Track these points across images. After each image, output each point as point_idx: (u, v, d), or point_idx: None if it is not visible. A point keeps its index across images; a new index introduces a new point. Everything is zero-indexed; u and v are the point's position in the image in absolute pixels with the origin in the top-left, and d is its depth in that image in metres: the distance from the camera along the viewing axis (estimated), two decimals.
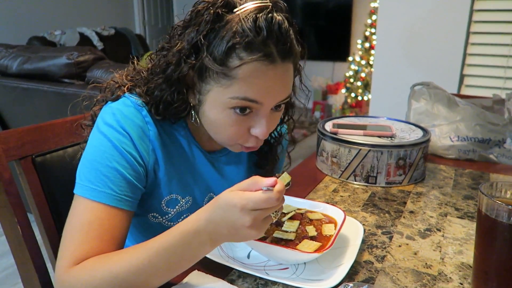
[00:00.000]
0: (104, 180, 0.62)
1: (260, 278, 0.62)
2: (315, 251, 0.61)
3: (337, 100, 4.86)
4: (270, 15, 0.59)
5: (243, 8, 0.60)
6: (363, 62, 4.44)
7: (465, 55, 1.98)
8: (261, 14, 0.59)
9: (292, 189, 0.97)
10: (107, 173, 0.62)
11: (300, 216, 0.72)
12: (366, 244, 0.73)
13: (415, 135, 1.06)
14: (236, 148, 0.71)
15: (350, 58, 4.66)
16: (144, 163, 0.67)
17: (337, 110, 4.78)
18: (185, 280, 0.61)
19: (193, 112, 0.70)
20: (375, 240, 0.75)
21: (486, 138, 1.17)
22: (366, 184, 1.00)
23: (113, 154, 0.63)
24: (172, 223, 0.75)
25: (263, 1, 0.61)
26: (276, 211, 0.55)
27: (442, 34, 1.98)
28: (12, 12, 3.96)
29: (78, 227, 0.60)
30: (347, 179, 1.02)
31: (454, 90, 2.00)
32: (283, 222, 0.69)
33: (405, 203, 0.91)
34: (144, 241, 0.58)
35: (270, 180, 0.51)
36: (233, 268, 0.64)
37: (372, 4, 4.25)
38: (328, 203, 0.76)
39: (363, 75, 4.46)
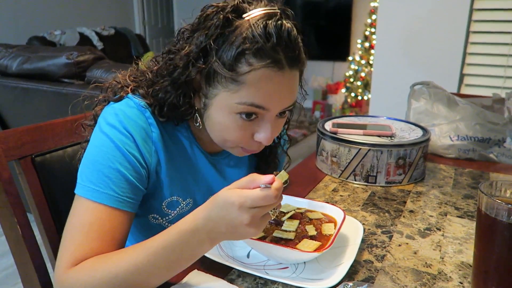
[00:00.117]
0: (106, 181, 0.62)
1: (260, 277, 0.62)
2: (315, 250, 0.61)
3: (337, 99, 4.86)
4: (279, 22, 0.60)
5: (253, 14, 0.60)
6: (363, 61, 4.44)
7: (465, 54, 1.98)
8: (271, 21, 0.59)
9: (292, 189, 0.98)
10: (109, 174, 0.62)
11: (300, 216, 0.72)
12: (366, 244, 0.73)
13: (415, 134, 1.06)
14: (237, 151, 0.71)
15: (350, 58, 4.67)
16: (146, 165, 0.67)
17: (337, 110, 4.79)
18: (185, 279, 0.61)
19: (197, 115, 0.70)
20: (375, 239, 0.75)
21: (486, 138, 1.17)
22: (366, 183, 1.00)
23: (115, 155, 0.63)
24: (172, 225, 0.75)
25: (271, 8, 0.62)
26: (274, 209, 0.55)
27: (442, 34, 1.98)
28: (12, 12, 3.96)
29: (79, 227, 0.60)
30: (347, 178, 1.02)
31: (454, 89, 2.00)
32: (283, 222, 0.69)
33: (405, 202, 0.91)
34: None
35: (268, 178, 0.51)
36: (232, 268, 0.64)
37: (372, 4, 4.25)
38: (328, 202, 0.76)
39: (363, 74, 4.47)
